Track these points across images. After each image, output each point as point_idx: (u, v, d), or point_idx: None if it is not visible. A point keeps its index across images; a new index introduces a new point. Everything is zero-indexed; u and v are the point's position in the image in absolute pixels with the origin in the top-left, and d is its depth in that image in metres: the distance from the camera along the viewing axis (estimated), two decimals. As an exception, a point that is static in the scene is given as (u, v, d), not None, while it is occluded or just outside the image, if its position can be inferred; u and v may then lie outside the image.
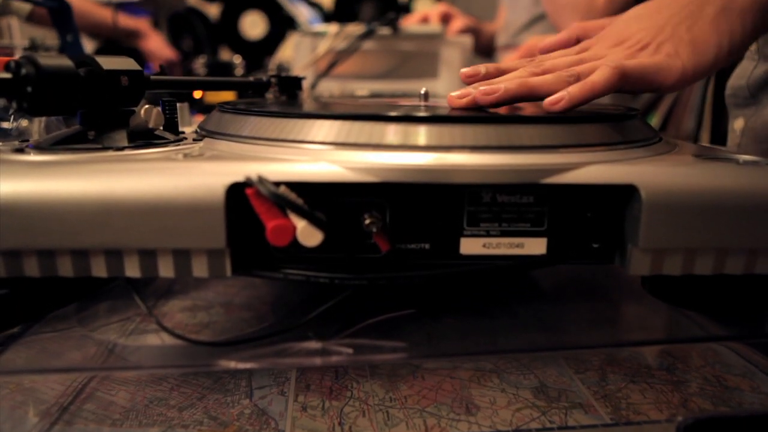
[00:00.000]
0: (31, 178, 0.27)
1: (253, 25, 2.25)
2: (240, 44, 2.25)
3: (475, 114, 0.29)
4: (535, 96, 0.33)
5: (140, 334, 0.37)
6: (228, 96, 0.90)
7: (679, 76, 0.33)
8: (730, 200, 0.28)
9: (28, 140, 0.35)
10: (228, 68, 0.86)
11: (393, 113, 0.28)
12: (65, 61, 0.31)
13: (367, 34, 0.90)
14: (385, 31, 0.92)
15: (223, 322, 0.38)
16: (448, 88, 0.94)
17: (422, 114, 0.28)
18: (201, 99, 0.85)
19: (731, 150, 0.35)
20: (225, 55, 2.25)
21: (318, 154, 0.27)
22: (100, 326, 0.38)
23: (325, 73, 0.88)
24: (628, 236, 0.29)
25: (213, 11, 2.23)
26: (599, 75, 0.31)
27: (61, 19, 0.84)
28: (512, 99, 0.32)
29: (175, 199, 0.26)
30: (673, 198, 0.27)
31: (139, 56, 1.45)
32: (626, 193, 0.28)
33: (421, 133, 0.27)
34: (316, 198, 0.27)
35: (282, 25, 2.20)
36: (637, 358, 0.34)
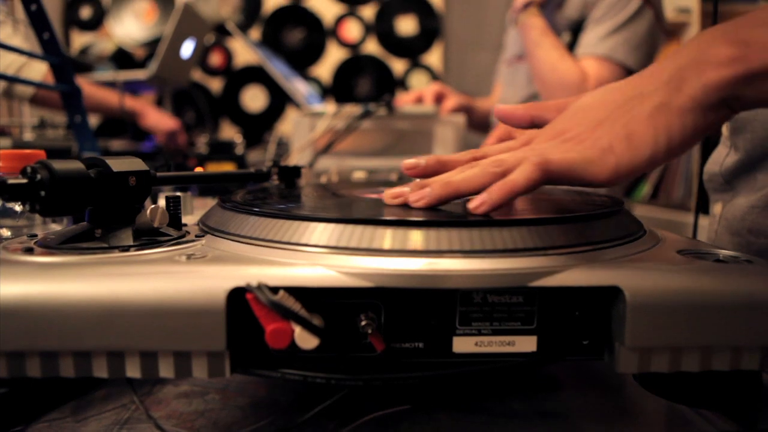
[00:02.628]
0: (38, 281, 0.28)
1: (254, 98, 2.34)
2: (241, 117, 2.33)
3: (464, 218, 0.30)
4: (461, 195, 0.34)
5: (136, 423, 0.36)
6: (228, 169, 0.93)
7: (612, 172, 0.32)
8: (712, 299, 0.29)
9: (36, 235, 0.37)
10: (229, 147, 0.89)
11: (386, 217, 0.30)
12: (77, 165, 0.33)
13: (364, 115, 0.94)
14: (381, 111, 0.96)
15: (218, 410, 0.38)
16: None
17: (414, 218, 0.30)
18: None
19: (712, 245, 0.36)
20: (226, 127, 2.32)
21: (315, 258, 0.29)
22: (95, 414, 0.37)
23: (324, 151, 0.91)
24: (616, 334, 0.29)
25: (215, 85, 2.32)
26: (520, 173, 0.32)
27: (72, 101, 0.88)
28: (440, 201, 0.34)
29: (178, 303, 0.27)
30: (657, 298, 0.28)
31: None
32: (611, 293, 0.29)
33: (414, 239, 0.29)
34: (314, 300, 0.28)
35: (282, 98, 2.29)
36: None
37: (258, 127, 2.33)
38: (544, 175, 0.32)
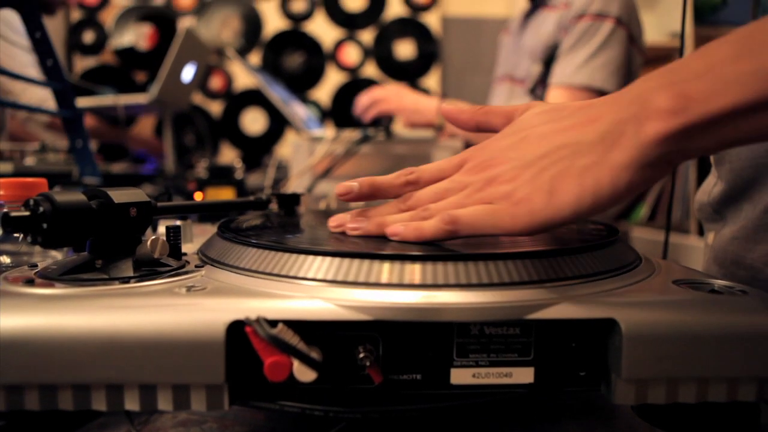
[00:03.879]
0: (39, 314, 0.28)
1: (254, 121, 2.36)
2: (240, 139, 2.35)
3: (460, 252, 0.31)
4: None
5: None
6: (227, 195, 0.93)
7: (525, 226, 0.31)
8: (706, 331, 0.29)
9: (36, 264, 0.37)
10: (228, 171, 0.89)
11: (383, 251, 0.30)
12: (79, 197, 0.33)
13: (363, 140, 0.95)
14: (379, 136, 0.97)
15: (216, 440, 0.38)
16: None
17: (411, 252, 0.30)
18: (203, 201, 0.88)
19: (707, 274, 0.37)
20: (226, 149, 2.34)
21: (313, 291, 0.29)
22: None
23: (323, 176, 0.92)
24: (612, 366, 0.30)
25: (215, 108, 2.34)
26: (430, 226, 0.34)
27: (73, 126, 0.89)
28: (373, 236, 0.37)
29: (178, 337, 0.27)
30: (652, 330, 0.29)
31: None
32: (608, 325, 0.29)
33: (411, 272, 0.29)
34: (312, 332, 0.28)
35: (281, 121, 2.31)
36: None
37: (257, 150, 2.34)
38: (451, 234, 0.33)
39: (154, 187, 1.13)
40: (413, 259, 0.30)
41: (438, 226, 0.33)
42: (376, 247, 0.33)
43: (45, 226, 0.31)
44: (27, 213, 0.31)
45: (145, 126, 2.30)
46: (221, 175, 0.90)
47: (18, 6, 0.81)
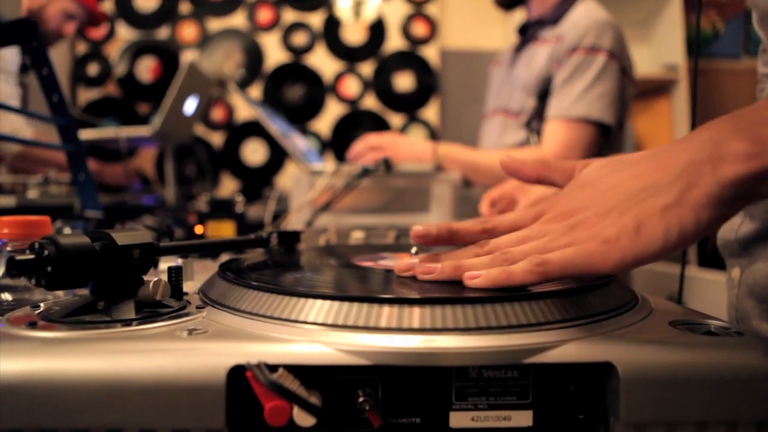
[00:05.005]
0: (41, 358, 0.28)
1: (254, 152, 2.38)
2: (241, 170, 2.37)
3: (459, 296, 0.31)
4: None
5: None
6: (227, 228, 0.94)
7: (615, 265, 0.32)
8: (703, 374, 0.29)
9: (39, 305, 0.37)
10: (229, 205, 0.90)
11: (382, 295, 0.31)
12: (83, 240, 0.34)
13: (363, 174, 0.96)
14: (379, 170, 0.98)
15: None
16: (439, 221, 0.98)
17: (410, 296, 0.31)
18: (203, 235, 0.88)
19: (703, 314, 0.37)
20: (227, 179, 2.35)
21: (313, 335, 0.29)
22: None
23: (323, 209, 0.92)
24: (610, 409, 0.30)
25: (217, 139, 2.37)
26: (520, 271, 0.33)
27: (76, 161, 0.90)
28: (447, 280, 0.36)
29: (179, 381, 0.27)
30: (649, 374, 0.29)
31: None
32: (605, 368, 0.29)
33: (410, 316, 0.29)
34: (313, 375, 0.28)
35: (282, 152, 2.33)
36: None
37: (258, 180, 2.36)
38: (543, 277, 0.33)
39: (154, 218, 1.13)
40: (411, 302, 0.30)
41: (528, 269, 0.33)
42: (375, 287, 0.33)
43: (49, 269, 0.32)
44: (32, 256, 0.32)
45: (146, 157, 2.32)
46: (222, 209, 0.91)
47: (25, 43, 0.83)
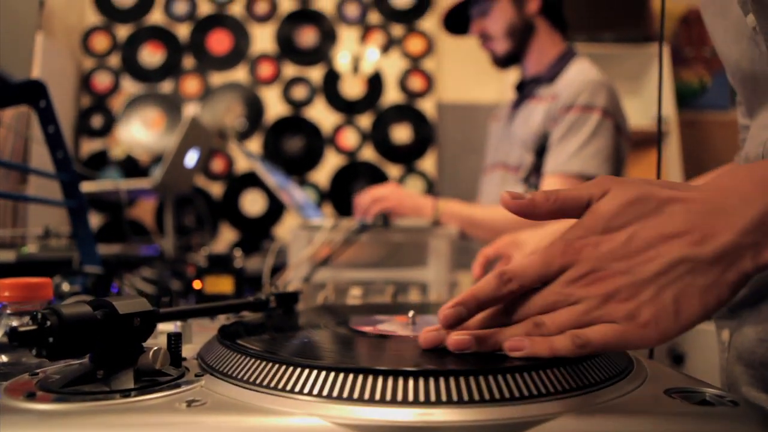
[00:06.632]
0: None
1: (253, 202, 2.40)
2: (240, 220, 2.39)
3: (455, 368, 0.32)
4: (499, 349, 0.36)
5: None
6: (226, 283, 0.94)
7: (654, 344, 0.33)
8: (699, 446, 0.29)
9: (37, 373, 0.37)
10: (227, 260, 0.91)
11: (378, 367, 0.31)
12: (85, 309, 0.34)
13: (362, 230, 0.97)
14: (377, 225, 0.99)
15: None
16: (437, 275, 0.99)
17: (406, 368, 0.31)
18: (201, 290, 0.89)
19: (699, 380, 0.37)
20: (226, 230, 2.36)
21: (311, 407, 0.30)
22: None
23: (321, 264, 0.93)
24: (608, 483, 0.30)
25: (216, 190, 2.39)
26: (562, 347, 0.33)
27: (78, 216, 0.91)
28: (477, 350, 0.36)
29: (176, 457, 0.27)
30: (646, 447, 0.29)
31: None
32: (602, 441, 0.30)
33: (406, 389, 0.30)
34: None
35: (280, 203, 2.35)
36: None
37: (257, 230, 2.37)
38: (583, 351, 0.34)
39: (153, 270, 1.14)
40: (406, 375, 0.30)
41: (570, 348, 0.34)
42: (372, 356, 0.33)
43: (51, 339, 0.32)
44: (34, 327, 0.32)
45: (145, 208, 2.34)
46: (220, 264, 0.91)
47: (34, 103, 0.86)
